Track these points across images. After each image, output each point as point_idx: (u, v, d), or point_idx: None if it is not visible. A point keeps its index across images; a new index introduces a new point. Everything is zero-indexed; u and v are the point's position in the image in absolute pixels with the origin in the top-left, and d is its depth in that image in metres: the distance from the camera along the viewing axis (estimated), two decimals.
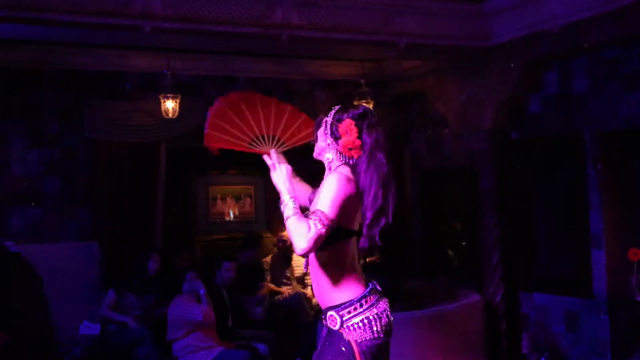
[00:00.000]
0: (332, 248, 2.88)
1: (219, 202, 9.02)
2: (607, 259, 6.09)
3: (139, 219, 7.17)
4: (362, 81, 7.62)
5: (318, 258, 2.94)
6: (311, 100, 8.08)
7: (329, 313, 2.90)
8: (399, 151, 8.48)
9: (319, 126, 3.08)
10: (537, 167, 6.78)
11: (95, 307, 6.49)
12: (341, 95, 8.04)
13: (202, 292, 6.09)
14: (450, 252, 8.07)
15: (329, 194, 2.80)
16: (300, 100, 8.03)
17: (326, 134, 3.02)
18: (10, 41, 6.38)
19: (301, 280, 7.82)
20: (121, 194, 7.12)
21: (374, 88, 7.84)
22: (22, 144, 6.92)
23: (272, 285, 7.67)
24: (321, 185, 2.94)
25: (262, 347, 6.33)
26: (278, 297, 7.52)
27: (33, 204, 6.91)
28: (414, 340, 5.86)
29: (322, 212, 2.75)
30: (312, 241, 2.70)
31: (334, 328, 2.87)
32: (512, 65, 6.31)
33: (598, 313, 6.14)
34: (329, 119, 3.02)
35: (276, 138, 3.41)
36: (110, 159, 7.07)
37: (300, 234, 2.71)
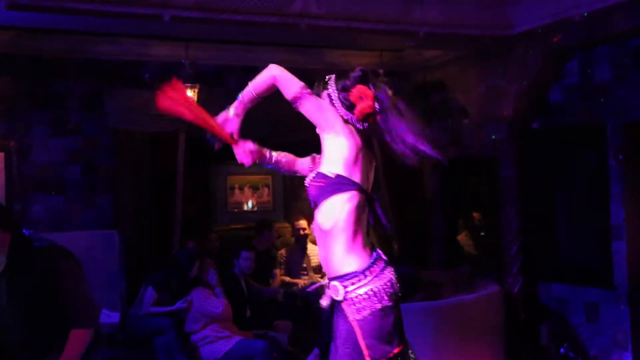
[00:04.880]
0: (342, 205, 2.82)
1: (237, 191, 9.04)
2: (628, 250, 6.04)
3: (159, 208, 7.22)
4: (381, 71, 7.58)
5: (328, 220, 2.85)
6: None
7: (332, 283, 2.84)
8: None
9: (319, 96, 3.02)
10: (558, 157, 6.72)
11: (115, 295, 6.55)
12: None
13: (217, 290, 6.14)
14: (461, 239, 8.06)
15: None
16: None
17: (335, 106, 2.97)
18: (32, 30, 6.43)
19: (318, 269, 7.82)
20: (142, 183, 7.16)
21: (394, 78, 7.79)
22: (44, 133, 6.97)
23: (286, 278, 7.68)
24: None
25: (280, 336, 6.37)
26: (295, 287, 7.54)
27: (54, 192, 6.97)
28: (433, 330, 5.85)
29: None
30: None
31: (337, 298, 2.82)
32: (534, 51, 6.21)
33: (618, 304, 6.09)
34: (331, 91, 3.00)
35: None
36: (131, 148, 7.11)
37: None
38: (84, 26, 6.23)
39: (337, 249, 2.84)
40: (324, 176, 2.86)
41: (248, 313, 6.59)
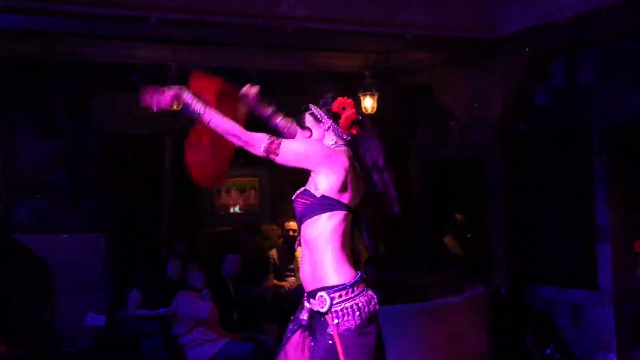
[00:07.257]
0: (326, 221, 2.87)
1: (223, 194, 9.01)
2: (613, 251, 6.09)
3: (146, 211, 7.20)
4: (367, 73, 7.59)
5: (313, 234, 2.89)
6: (317, 93, 8.05)
7: (320, 294, 2.84)
8: (405, 143, 8.47)
9: (303, 122, 3.10)
10: (544, 159, 6.76)
11: (101, 298, 6.51)
12: (347, 87, 8.02)
13: (204, 293, 6.12)
14: (447, 241, 8.09)
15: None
16: (305, 93, 8.02)
17: (321, 119, 3.04)
18: (18, 32, 6.37)
19: None
20: (128, 186, 7.14)
21: (380, 80, 7.81)
22: (29, 135, 6.93)
23: (275, 281, 7.68)
24: None
25: (267, 339, 6.36)
26: (282, 289, 7.54)
27: (39, 195, 6.93)
28: (419, 332, 5.86)
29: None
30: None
31: (322, 310, 2.82)
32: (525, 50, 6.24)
33: (603, 305, 6.14)
34: (315, 109, 3.07)
35: None
36: (117, 150, 7.09)
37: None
38: (70, 28, 6.19)
39: (325, 261, 2.87)
40: (311, 195, 2.91)
41: (235, 316, 6.58)
